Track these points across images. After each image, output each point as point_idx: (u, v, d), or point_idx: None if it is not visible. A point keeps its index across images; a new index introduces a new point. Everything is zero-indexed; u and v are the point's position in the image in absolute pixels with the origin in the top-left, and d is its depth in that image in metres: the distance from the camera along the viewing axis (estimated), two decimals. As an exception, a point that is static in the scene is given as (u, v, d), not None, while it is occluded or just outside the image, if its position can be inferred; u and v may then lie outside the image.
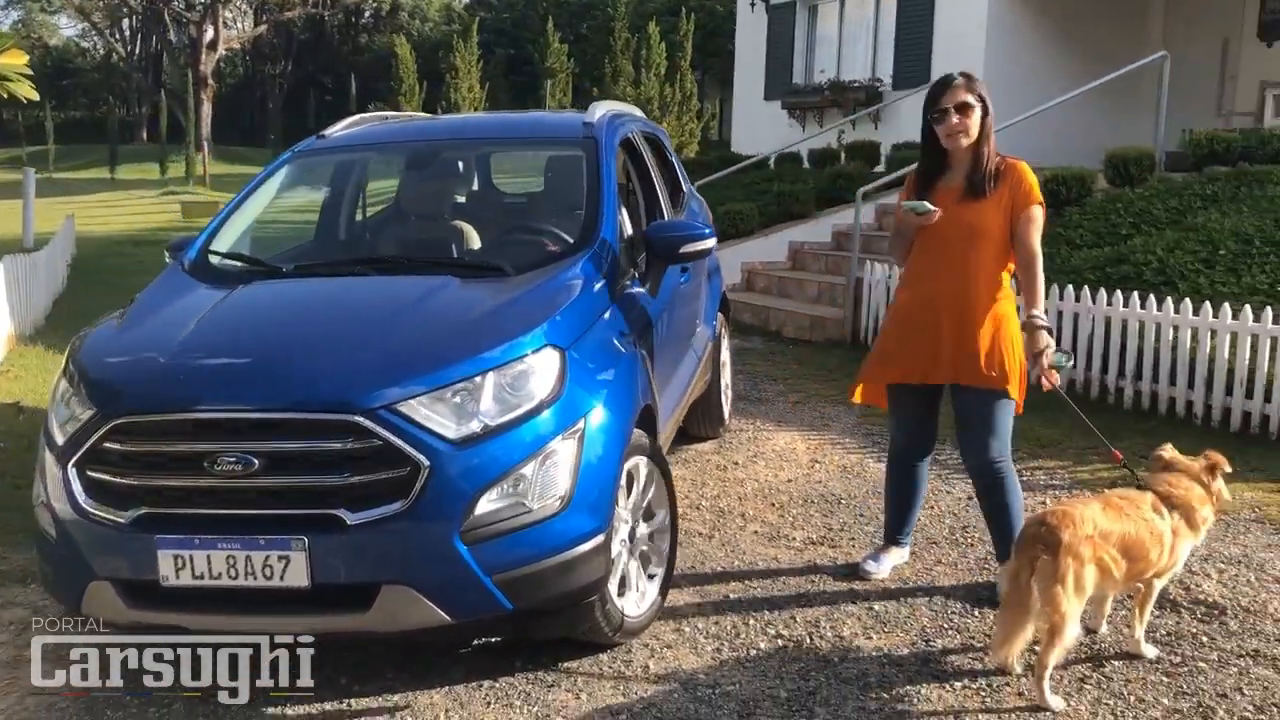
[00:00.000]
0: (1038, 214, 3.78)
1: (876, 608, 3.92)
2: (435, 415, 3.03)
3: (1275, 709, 3.17)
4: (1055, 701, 3.19)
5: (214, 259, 4.17)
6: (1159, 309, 6.42)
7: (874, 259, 9.44)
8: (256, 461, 2.97)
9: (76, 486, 3.12)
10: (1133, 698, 3.25)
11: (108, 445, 3.09)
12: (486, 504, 3.03)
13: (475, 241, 4.38)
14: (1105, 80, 10.23)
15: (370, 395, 3.00)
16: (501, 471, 3.06)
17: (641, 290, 4.23)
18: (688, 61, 26.16)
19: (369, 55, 50.30)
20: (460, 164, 5.22)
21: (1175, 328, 6.34)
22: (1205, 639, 3.63)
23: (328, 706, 3.29)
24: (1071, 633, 3.16)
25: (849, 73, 15.72)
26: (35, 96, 7.73)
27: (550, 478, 3.14)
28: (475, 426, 3.06)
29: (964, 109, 3.73)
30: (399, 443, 2.95)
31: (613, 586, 3.42)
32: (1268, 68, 12.76)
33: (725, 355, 6.48)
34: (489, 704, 3.28)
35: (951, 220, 3.76)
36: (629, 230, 4.54)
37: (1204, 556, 4.29)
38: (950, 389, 3.92)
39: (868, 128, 14.69)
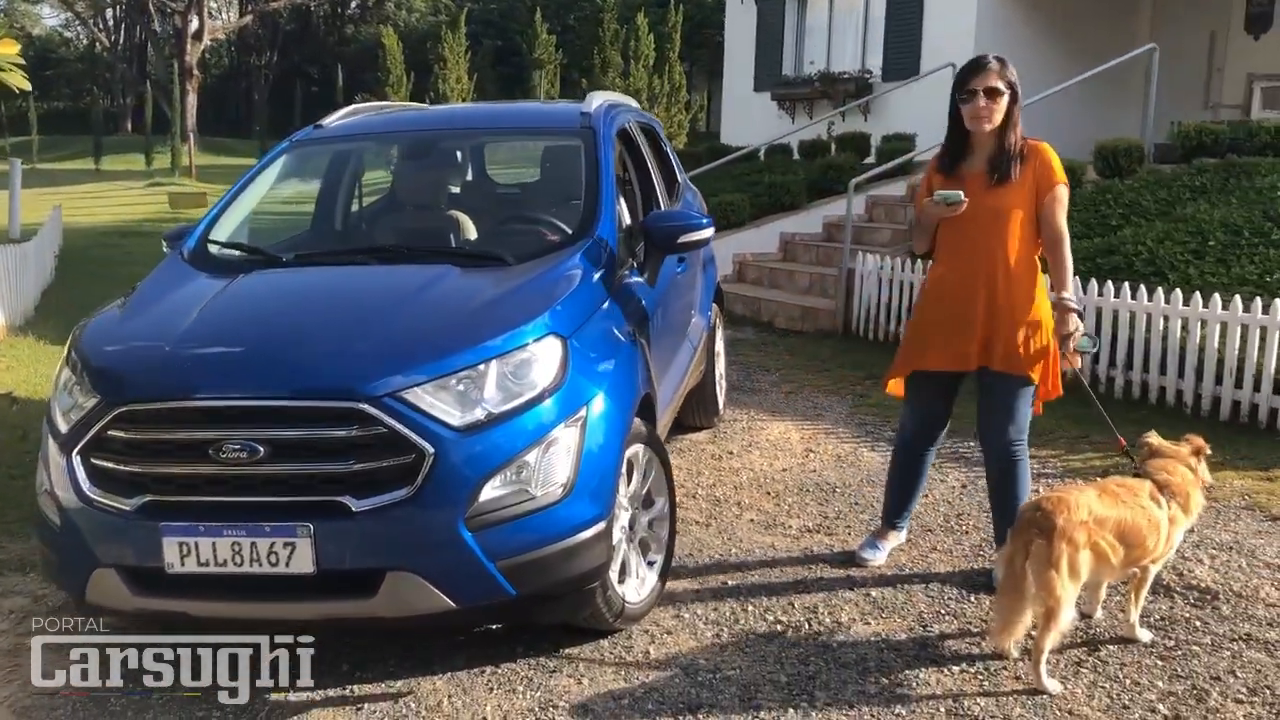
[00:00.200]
0: (1063, 194, 3.78)
1: (874, 594, 3.96)
2: (439, 403, 3.05)
3: (1268, 691, 3.23)
4: (1052, 685, 3.23)
5: (214, 248, 4.17)
6: (1149, 299, 6.47)
7: (865, 250, 9.49)
8: (261, 449, 2.98)
9: (81, 474, 3.12)
10: (1128, 681, 3.30)
11: (112, 433, 3.10)
12: (490, 491, 3.05)
13: (475, 231, 4.39)
14: (1094, 73, 10.29)
15: (375, 383, 3.01)
16: (505, 459, 3.08)
17: (640, 280, 4.25)
18: (676, 53, 26.12)
19: (355, 46, 50.12)
20: (459, 154, 5.22)
21: (1165, 318, 6.39)
22: (1199, 623, 3.68)
23: (330, 693, 3.31)
24: (1067, 617, 3.20)
25: (838, 64, 15.75)
26: (28, 86, 7.69)
27: (553, 465, 3.16)
28: (479, 414, 3.08)
29: (993, 94, 3.71)
30: (404, 430, 2.97)
31: (613, 573, 3.46)
32: (1255, 60, 12.85)
33: (720, 345, 6.52)
34: (491, 690, 3.30)
35: (976, 205, 3.73)
36: (627, 220, 4.56)
37: (1196, 543, 4.35)
38: (977, 371, 3.92)
39: (857, 119, 14.72)
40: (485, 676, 3.38)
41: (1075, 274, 6.97)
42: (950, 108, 3.86)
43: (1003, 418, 3.89)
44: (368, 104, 5.55)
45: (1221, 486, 5.02)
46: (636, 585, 3.66)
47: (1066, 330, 3.72)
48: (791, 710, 3.16)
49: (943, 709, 3.16)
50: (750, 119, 16.94)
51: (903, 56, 14.17)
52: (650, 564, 3.78)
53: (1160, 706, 3.15)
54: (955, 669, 3.39)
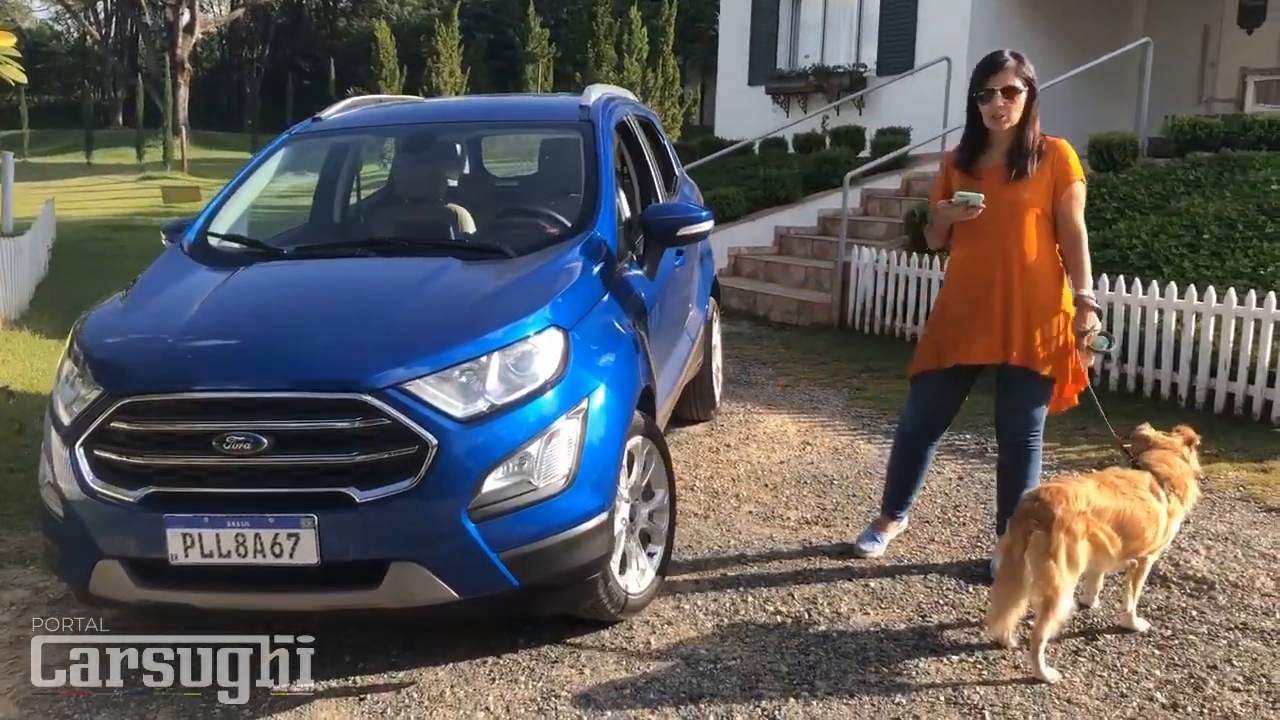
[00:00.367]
0: (1080, 190, 3.78)
1: (872, 585, 3.98)
2: (442, 395, 3.06)
3: (1264, 679, 3.26)
4: (1050, 674, 3.26)
5: (213, 241, 4.17)
6: (1144, 293, 6.50)
7: (860, 243, 9.51)
8: (265, 440, 2.99)
9: (84, 467, 3.13)
10: (1126, 669, 3.32)
11: (115, 425, 3.11)
12: (493, 482, 3.07)
13: (475, 224, 4.40)
14: (1089, 67, 10.31)
15: (378, 375, 3.02)
16: (507, 450, 3.09)
17: (639, 273, 4.26)
18: (670, 47, 26.13)
19: (347, 40, 49.98)
20: (458, 147, 5.22)
21: (1160, 311, 6.42)
22: (1195, 613, 3.71)
23: (333, 684, 3.32)
24: (1065, 606, 3.22)
25: (833, 58, 15.75)
26: (24, 79, 7.66)
27: (555, 456, 3.18)
28: (481, 406, 3.09)
29: (1010, 92, 3.70)
30: (407, 421, 2.98)
31: (614, 564, 3.47)
32: (1248, 54, 12.90)
33: (716, 338, 6.54)
34: (493, 680, 3.32)
35: (995, 202, 3.72)
36: (626, 213, 4.57)
37: (1192, 534, 4.38)
38: (997, 365, 3.90)
39: (851, 113, 14.74)
40: (487, 667, 3.39)
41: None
42: (968, 104, 3.85)
43: (1019, 411, 3.90)
44: (366, 97, 5.55)
45: (1216, 478, 5.06)
46: (637, 576, 3.67)
47: (1083, 327, 3.73)
48: (792, 699, 3.18)
49: (942, 698, 3.18)
50: (744, 113, 16.94)
51: (897, 50, 14.19)
52: (651, 555, 3.79)
53: (1158, 695, 3.17)
54: (954, 658, 3.41)
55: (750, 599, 3.87)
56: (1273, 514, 4.66)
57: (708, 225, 4.33)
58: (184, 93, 38.36)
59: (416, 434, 2.99)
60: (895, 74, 13.77)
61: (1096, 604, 3.72)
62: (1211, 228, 7.35)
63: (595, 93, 4.84)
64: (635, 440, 3.63)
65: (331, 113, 4.92)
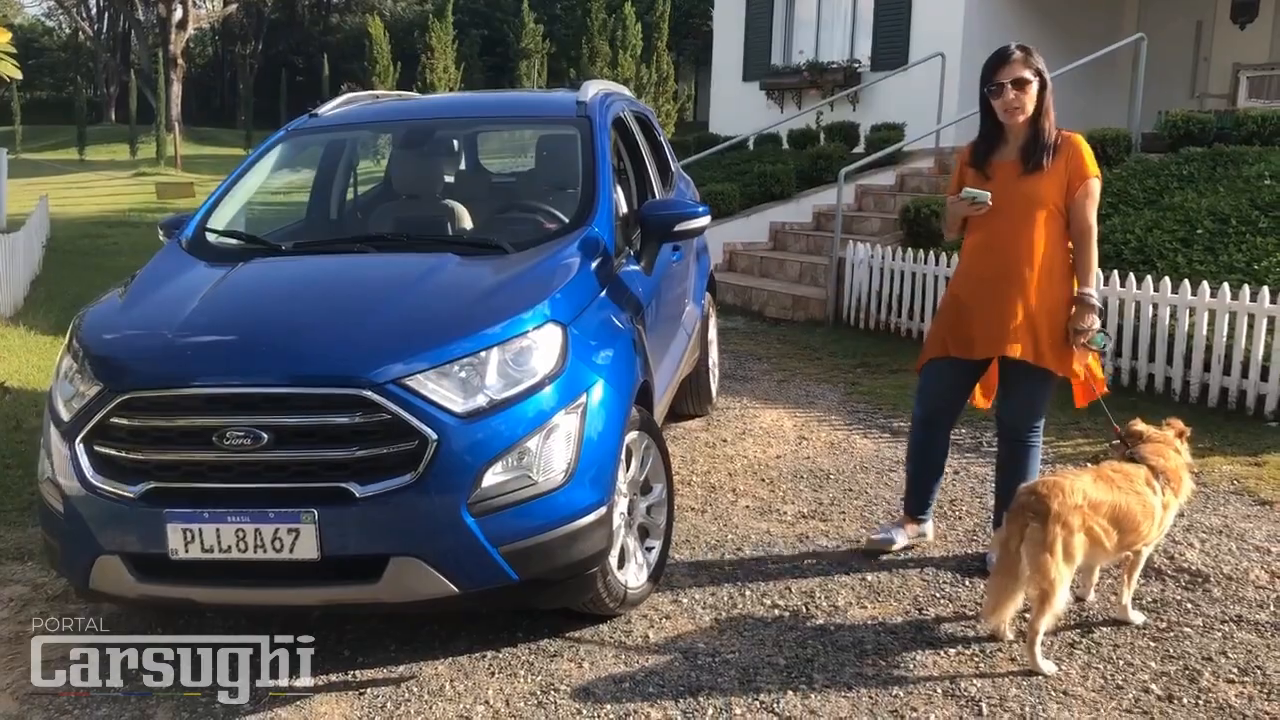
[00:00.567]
0: (1094, 187, 3.78)
1: (869, 578, 4.00)
2: (442, 390, 3.07)
3: (1258, 671, 3.28)
4: (1047, 666, 3.28)
5: (211, 236, 4.17)
6: (1138, 287, 6.53)
7: (855, 239, 9.53)
8: (265, 435, 2.99)
9: (84, 462, 3.13)
10: (1121, 662, 3.35)
11: (115, 420, 3.11)
12: (492, 477, 3.08)
13: (473, 220, 4.40)
14: (1082, 62, 10.33)
15: (378, 370, 3.03)
16: (506, 445, 3.10)
17: (637, 269, 4.27)
18: (664, 42, 26.09)
19: (341, 35, 49.86)
20: (455, 142, 5.22)
21: (1154, 305, 6.45)
22: (1190, 605, 3.74)
23: (333, 678, 3.33)
24: (1061, 599, 3.24)
25: (827, 54, 15.77)
26: (19, 75, 7.63)
27: (553, 451, 3.19)
28: (481, 401, 3.10)
29: (1021, 84, 3.70)
30: (407, 416, 2.99)
31: (613, 558, 3.48)
32: (1240, 50, 12.94)
33: (713, 333, 6.55)
34: (493, 674, 3.33)
35: (1009, 194, 3.73)
36: (623, 209, 4.58)
37: (1186, 527, 4.40)
38: (1000, 359, 3.91)
39: (846, 109, 14.75)
40: (486, 660, 3.41)
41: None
42: (980, 100, 3.85)
43: (1020, 405, 3.91)
44: (362, 93, 5.54)
45: (1211, 471, 5.09)
46: (636, 570, 3.69)
47: (1081, 325, 3.74)
48: (790, 692, 3.19)
49: (939, 690, 3.20)
50: (739, 109, 16.96)
51: (891, 46, 14.21)
52: (649, 549, 3.81)
53: (1153, 686, 3.20)
54: (951, 651, 3.43)
55: (748, 593, 3.88)
56: (1266, 507, 4.68)
57: (704, 220, 4.34)
58: (177, 89, 38.28)
59: (416, 429, 3.00)
60: (890, 70, 13.79)
61: (1092, 597, 3.74)
62: (1205, 223, 7.38)
63: (592, 88, 4.84)
64: (633, 435, 3.65)
65: (328, 108, 4.92)
